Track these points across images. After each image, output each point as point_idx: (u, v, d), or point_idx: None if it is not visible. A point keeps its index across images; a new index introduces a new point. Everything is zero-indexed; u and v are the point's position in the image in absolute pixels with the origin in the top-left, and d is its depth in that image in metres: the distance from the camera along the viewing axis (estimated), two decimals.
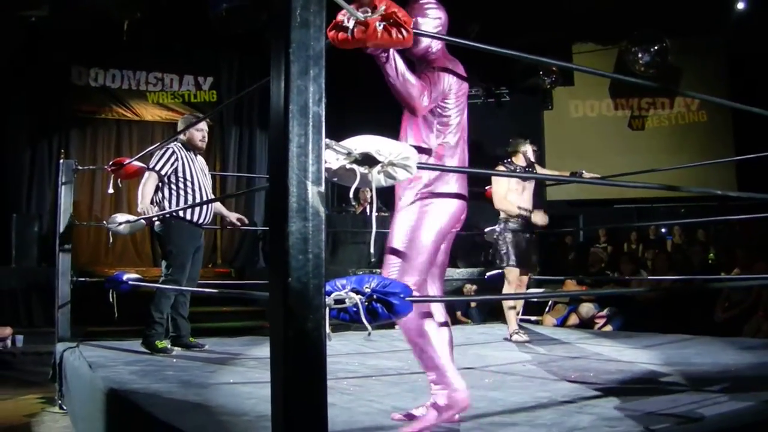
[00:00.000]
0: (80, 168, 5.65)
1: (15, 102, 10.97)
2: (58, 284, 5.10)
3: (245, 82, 12.15)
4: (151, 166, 4.91)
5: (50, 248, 6.20)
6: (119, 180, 5.24)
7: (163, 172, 4.90)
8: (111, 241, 5.59)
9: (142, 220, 4.97)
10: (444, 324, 2.73)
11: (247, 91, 3.01)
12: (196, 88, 12.30)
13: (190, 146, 5.09)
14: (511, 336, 5.69)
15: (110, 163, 5.30)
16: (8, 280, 9.06)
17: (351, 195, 2.14)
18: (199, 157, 5.18)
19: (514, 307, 5.95)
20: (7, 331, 7.81)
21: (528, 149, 6.00)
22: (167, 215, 4.81)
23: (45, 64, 10.97)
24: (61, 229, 5.21)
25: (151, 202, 4.92)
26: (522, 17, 10.01)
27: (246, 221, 5.73)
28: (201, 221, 4.98)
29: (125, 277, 4.75)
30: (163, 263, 4.97)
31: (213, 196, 5.26)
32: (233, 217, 5.43)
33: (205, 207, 4.98)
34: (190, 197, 4.95)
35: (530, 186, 6.01)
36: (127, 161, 5.20)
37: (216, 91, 12.38)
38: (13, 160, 10.98)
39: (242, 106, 12.30)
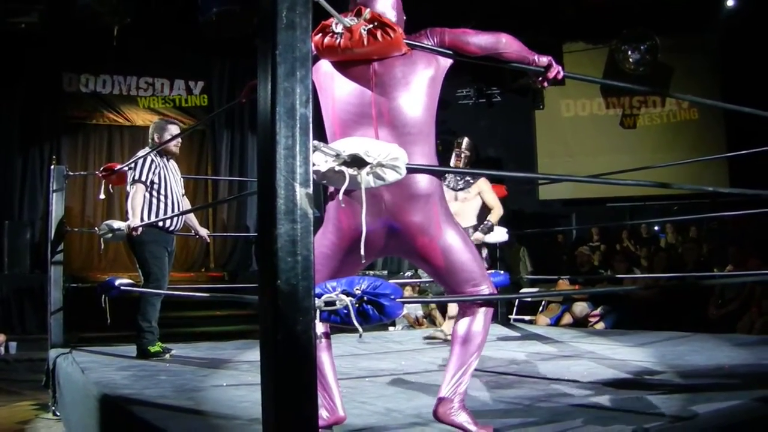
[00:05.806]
0: (71, 174, 5.63)
1: (6, 109, 10.95)
2: (51, 290, 5.08)
3: (236, 87, 12.10)
4: (136, 178, 4.91)
5: (42, 255, 6.18)
6: (110, 186, 5.24)
7: (148, 182, 4.92)
8: (102, 247, 5.59)
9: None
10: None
11: (238, 100, 2.98)
12: (187, 93, 12.27)
13: (164, 152, 5.10)
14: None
15: (101, 168, 5.29)
16: (1, 287, 9.06)
17: (341, 197, 2.13)
18: (171, 161, 5.20)
19: None
20: (0, 338, 7.80)
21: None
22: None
23: (35, 70, 10.97)
24: (53, 236, 5.18)
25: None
26: (512, 17, 10.02)
27: (208, 240, 5.98)
28: (172, 228, 5.02)
29: (117, 282, 4.72)
30: (140, 272, 4.98)
31: (184, 200, 5.29)
32: (203, 231, 5.55)
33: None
34: (162, 204, 4.97)
35: None
36: (118, 167, 5.18)
37: (207, 96, 12.37)
38: (5, 167, 10.95)
39: (233, 110, 12.27)
